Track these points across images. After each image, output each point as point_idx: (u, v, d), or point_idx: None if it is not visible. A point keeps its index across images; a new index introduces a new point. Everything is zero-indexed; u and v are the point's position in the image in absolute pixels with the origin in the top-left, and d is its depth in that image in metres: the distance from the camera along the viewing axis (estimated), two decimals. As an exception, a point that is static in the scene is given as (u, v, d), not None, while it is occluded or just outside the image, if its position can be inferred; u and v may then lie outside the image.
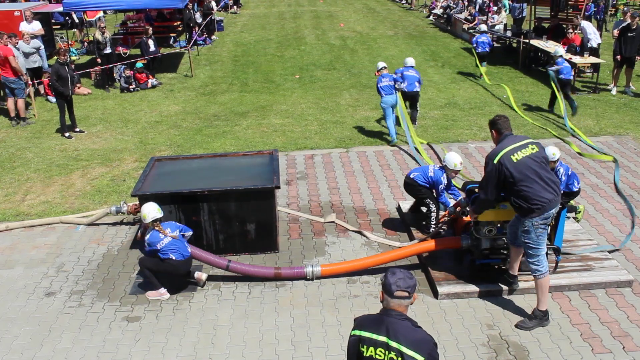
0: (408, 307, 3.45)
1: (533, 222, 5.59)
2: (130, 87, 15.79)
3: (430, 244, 6.79)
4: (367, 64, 18.37)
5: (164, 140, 11.85)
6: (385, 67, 11.47)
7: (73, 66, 13.65)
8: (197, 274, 6.82)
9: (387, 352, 3.32)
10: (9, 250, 7.79)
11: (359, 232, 7.92)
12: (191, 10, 21.99)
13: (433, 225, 7.56)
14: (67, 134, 12.16)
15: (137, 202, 7.52)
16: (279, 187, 7.31)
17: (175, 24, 22.84)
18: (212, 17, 23.66)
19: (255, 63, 18.93)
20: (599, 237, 7.65)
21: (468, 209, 6.48)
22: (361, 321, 3.50)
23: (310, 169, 10.23)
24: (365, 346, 3.38)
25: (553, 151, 7.57)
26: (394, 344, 3.30)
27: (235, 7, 32.73)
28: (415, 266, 7.08)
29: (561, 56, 13.21)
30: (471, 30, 21.95)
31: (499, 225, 6.31)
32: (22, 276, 7.15)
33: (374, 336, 3.37)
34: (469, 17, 23.23)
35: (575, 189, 7.65)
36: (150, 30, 17.15)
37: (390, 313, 3.40)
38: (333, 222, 8.24)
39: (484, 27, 15.68)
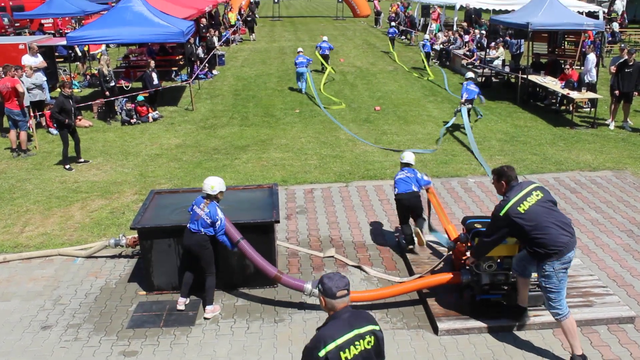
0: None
1: (554, 266, 5.58)
2: (132, 119, 15.90)
3: (429, 280, 6.76)
4: (367, 99, 18.54)
5: (164, 173, 11.89)
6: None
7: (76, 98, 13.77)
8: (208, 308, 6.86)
9: (362, 341, 3.73)
10: (6, 283, 7.74)
11: (359, 267, 7.89)
12: (193, 45, 22.26)
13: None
14: (67, 166, 12.20)
15: (136, 235, 7.51)
16: (278, 221, 7.30)
17: (177, 57, 23.10)
18: (214, 52, 23.95)
19: (256, 97, 19.09)
20: (600, 272, 7.62)
21: (468, 244, 6.48)
22: (326, 334, 3.71)
23: (309, 203, 10.24)
24: (346, 350, 3.66)
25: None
26: (363, 330, 3.75)
27: (250, 34, 35.97)
28: (415, 302, 7.03)
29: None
30: (469, 66, 22.24)
31: (499, 260, 6.29)
32: (19, 309, 7.10)
33: (347, 336, 3.69)
34: (468, 53, 23.53)
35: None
36: (153, 64, 17.33)
37: (340, 312, 3.78)
38: (332, 256, 8.22)
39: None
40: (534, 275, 6.09)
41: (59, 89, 13.36)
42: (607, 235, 8.84)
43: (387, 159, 12.46)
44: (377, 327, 3.83)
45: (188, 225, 6.72)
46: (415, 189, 8.03)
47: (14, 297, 7.37)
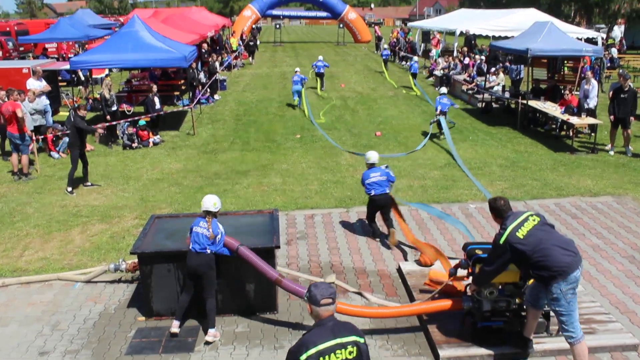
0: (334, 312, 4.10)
1: (561, 288, 5.56)
2: (133, 144, 15.96)
3: (430, 306, 6.72)
4: (368, 125, 18.62)
5: (164, 197, 11.89)
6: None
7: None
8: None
9: (343, 350, 3.91)
10: (4, 307, 7.70)
11: (359, 293, 7.84)
12: (195, 70, 22.44)
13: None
14: (69, 189, 12.21)
15: (136, 260, 7.49)
16: (278, 247, 7.28)
17: (179, 82, 23.27)
18: (216, 77, 24.13)
19: (257, 122, 19.18)
20: (602, 299, 7.58)
21: (468, 270, 6.46)
22: (309, 340, 3.91)
23: (310, 229, 10.22)
24: (326, 357, 3.85)
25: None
26: (345, 340, 3.93)
27: (250, 58, 37.06)
28: (416, 328, 6.98)
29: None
30: (470, 92, 22.38)
31: (500, 287, 6.26)
32: (16, 334, 7.05)
33: (329, 343, 3.89)
34: (468, 79, 23.70)
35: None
36: (155, 88, 17.43)
37: (325, 320, 4.01)
38: (333, 282, 8.18)
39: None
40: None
41: (66, 111, 13.44)
42: (608, 262, 8.80)
43: (387, 184, 12.46)
44: (361, 340, 3.99)
45: (191, 247, 6.72)
46: (388, 190, 9.32)
47: (12, 322, 7.32)
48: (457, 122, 18.94)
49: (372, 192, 9.26)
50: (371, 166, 9.45)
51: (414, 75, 26.64)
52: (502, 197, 6.13)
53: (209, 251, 6.69)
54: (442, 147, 15.69)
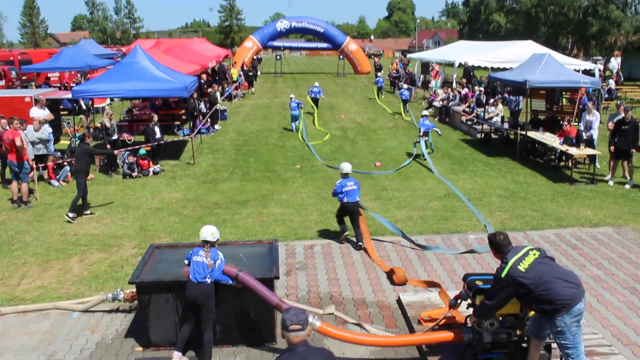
0: (307, 337, 4.17)
1: (565, 321, 5.55)
2: (133, 173, 16.00)
3: (430, 337, 6.67)
4: (367, 155, 18.69)
5: (164, 227, 11.88)
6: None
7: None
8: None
9: None
10: (0, 336, 7.63)
11: (359, 325, 7.79)
12: (196, 100, 22.61)
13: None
14: (71, 215, 12.22)
15: (134, 290, 7.45)
16: (277, 277, 7.26)
17: (180, 112, 23.41)
18: (217, 107, 24.29)
19: (257, 152, 19.26)
20: (604, 331, 7.52)
21: (469, 301, 6.43)
22: None
23: (309, 259, 10.19)
24: None
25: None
26: None
27: (251, 88, 38.26)
28: (416, 360, 6.92)
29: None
30: (469, 122, 22.52)
31: (501, 318, 6.22)
32: (12, 365, 6.98)
33: None
34: (467, 109, 23.87)
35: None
36: (156, 118, 17.55)
37: (295, 346, 4.09)
38: (332, 313, 8.13)
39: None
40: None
41: (66, 140, 13.48)
42: (609, 293, 8.76)
43: (387, 215, 12.46)
44: None
45: (191, 277, 6.70)
46: (358, 198, 10.69)
47: (8, 352, 7.25)
48: (457, 153, 19.02)
49: (345, 200, 10.61)
50: (345, 176, 10.77)
51: (405, 102, 28.30)
52: (502, 231, 6.15)
53: (208, 280, 6.67)
54: (441, 178, 15.73)
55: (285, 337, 4.15)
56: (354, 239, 10.70)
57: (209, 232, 6.83)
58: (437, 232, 11.41)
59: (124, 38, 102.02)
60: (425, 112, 19.90)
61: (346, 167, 10.85)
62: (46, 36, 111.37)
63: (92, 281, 9.28)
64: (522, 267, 5.65)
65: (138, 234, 11.45)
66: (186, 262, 6.90)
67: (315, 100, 27.95)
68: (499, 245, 6.00)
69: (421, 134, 18.43)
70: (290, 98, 24.03)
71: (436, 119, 26.11)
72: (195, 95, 22.61)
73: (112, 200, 13.90)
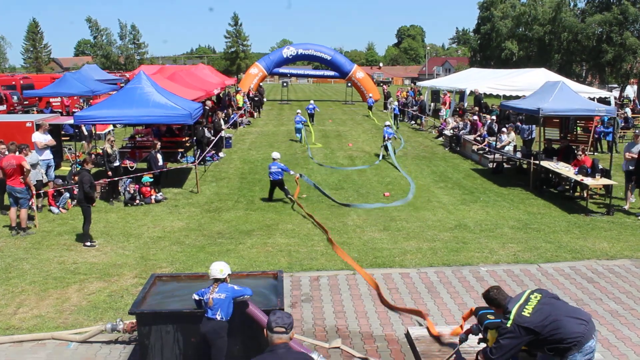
0: (289, 340, 4.52)
1: (576, 359, 5.52)
2: (135, 201, 16.09)
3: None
4: (375, 184, 18.75)
5: (165, 256, 11.91)
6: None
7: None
8: None
9: None
10: (-4, 369, 7.63)
11: (366, 359, 7.75)
12: (204, 128, 22.77)
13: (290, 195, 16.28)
14: (89, 243, 12.46)
15: (134, 321, 7.45)
16: (282, 310, 7.23)
17: (184, 139, 23.60)
18: (221, 134, 24.48)
19: (262, 181, 19.32)
20: (621, 370, 7.45)
21: (480, 336, 6.40)
22: None
23: (315, 291, 10.17)
24: None
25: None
26: None
27: (257, 112, 40.70)
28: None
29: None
30: (480, 152, 22.59)
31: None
32: (7, 398, 6.96)
33: None
34: (479, 138, 23.95)
35: None
36: (159, 145, 17.67)
37: (276, 347, 4.41)
38: (338, 347, 8.09)
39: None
40: None
41: (67, 166, 13.59)
42: (628, 328, 8.69)
43: (396, 246, 12.46)
44: None
45: (205, 313, 6.77)
46: (279, 177, 16.26)
47: (3, 385, 7.25)
48: (467, 182, 19.06)
49: (271, 178, 16.31)
50: (273, 161, 16.37)
51: (395, 117, 35.35)
52: (494, 286, 6.17)
53: (218, 317, 6.67)
54: (452, 209, 15.74)
55: (268, 338, 4.51)
56: (289, 198, 16.47)
57: (218, 270, 6.88)
58: (447, 264, 11.39)
59: (128, 63, 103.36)
60: (387, 122, 25.77)
61: (274, 155, 16.78)
62: (49, 61, 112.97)
63: (91, 311, 9.29)
64: (526, 312, 5.64)
65: (139, 263, 11.48)
66: (196, 297, 6.91)
67: (311, 116, 34.83)
68: (495, 300, 6.01)
69: (386, 139, 23.76)
70: (297, 113, 29.20)
71: (446, 149, 26.23)
72: (204, 123, 22.84)
73: (113, 228, 13.97)
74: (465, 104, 32.45)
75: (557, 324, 5.53)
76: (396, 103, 39.48)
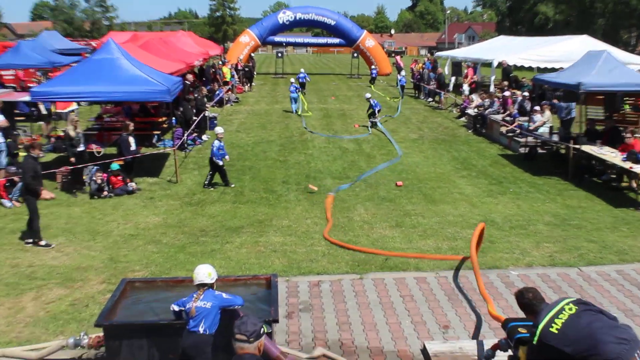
0: (257, 353, 4.66)
1: None
2: (103, 192, 16.04)
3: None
4: (387, 173, 18.70)
5: (139, 258, 11.87)
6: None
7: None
8: None
9: None
10: (-62, 392, 7.60)
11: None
12: (194, 108, 22.69)
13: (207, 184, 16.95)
14: (44, 242, 12.38)
15: (101, 334, 7.41)
16: (277, 321, 7.23)
17: (160, 119, 23.50)
18: (205, 114, 24.39)
19: (253, 168, 19.30)
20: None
21: (510, 352, 6.36)
22: None
23: (315, 299, 10.14)
24: None
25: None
26: None
27: (248, 85, 42.15)
28: None
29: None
30: (510, 134, 22.51)
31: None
32: None
33: None
34: (508, 118, 23.85)
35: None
36: (131, 126, 17.56)
37: (239, 358, 4.58)
38: (324, 357, 8.06)
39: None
40: None
41: (23, 152, 13.52)
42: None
43: (410, 246, 12.43)
44: None
45: (187, 325, 6.75)
46: (219, 160, 16.90)
47: (-54, 410, 7.22)
48: (495, 171, 18.99)
49: (214, 158, 16.87)
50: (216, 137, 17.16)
51: (402, 89, 38.18)
52: (530, 287, 6.14)
53: (201, 330, 6.63)
54: (477, 202, 15.70)
55: (234, 346, 4.68)
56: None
57: (205, 273, 6.85)
58: (471, 267, 11.33)
59: (95, 30, 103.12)
60: (367, 95, 29.30)
61: (219, 130, 17.45)
62: (0, 26, 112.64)
63: (50, 323, 9.26)
64: (554, 328, 5.59)
65: (107, 266, 11.44)
66: (175, 308, 6.87)
67: (302, 85, 37.52)
68: (530, 305, 6.00)
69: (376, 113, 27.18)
70: (291, 82, 32.63)
71: (470, 131, 26.17)
72: (193, 99, 22.80)
73: (77, 224, 13.93)
74: (493, 78, 32.32)
75: (590, 343, 5.47)
76: (403, 73, 40.84)
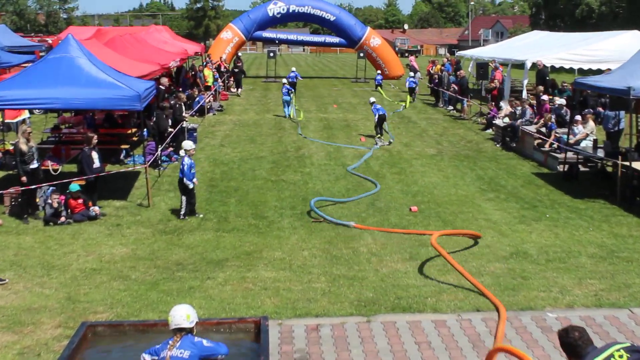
0: None
1: None
2: (60, 218, 16.02)
3: None
4: (399, 195, 18.71)
5: (102, 297, 11.85)
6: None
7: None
8: None
9: None
10: None
11: None
12: (169, 117, 22.72)
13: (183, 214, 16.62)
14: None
15: (56, 389, 7.39)
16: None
17: (129, 131, 23.49)
18: (183, 125, 24.38)
19: (240, 190, 19.32)
20: None
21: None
22: None
23: (314, 347, 10.12)
24: None
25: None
26: None
27: (237, 90, 43.71)
28: None
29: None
30: (546, 149, 22.52)
31: None
32: None
33: None
34: (544, 130, 23.85)
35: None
36: (95, 139, 17.51)
37: None
38: None
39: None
40: None
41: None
42: None
43: (426, 283, 12.41)
44: None
45: None
46: (189, 181, 16.50)
47: None
48: (528, 192, 19.01)
49: (184, 179, 16.39)
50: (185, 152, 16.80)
51: (412, 91, 40.44)
52: (577, 326, 6.13)
53: None
54: (506, 230, 15.70)
55: None
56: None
57: (182, 316, 6.84)
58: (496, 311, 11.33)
59: (51, 24, 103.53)
60: (372, 99, 29.91)
61: (185, 144, 17.08)
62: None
63: (-4, 376, 9.24)
64: None
65: (64, 307, 11.41)
66: (147, 358, 6.88)
67: (293, 84, 40.25)
68: (574, 347, 5.97)
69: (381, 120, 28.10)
70: (283, 83, 35.15)
71: (498, 145, 26.22)
72: (168, 108, 22.86)
73: (28, 256, 13.91)
74: (525, 82, 32.41)
75: None
76: (412, 74, 42.26)
